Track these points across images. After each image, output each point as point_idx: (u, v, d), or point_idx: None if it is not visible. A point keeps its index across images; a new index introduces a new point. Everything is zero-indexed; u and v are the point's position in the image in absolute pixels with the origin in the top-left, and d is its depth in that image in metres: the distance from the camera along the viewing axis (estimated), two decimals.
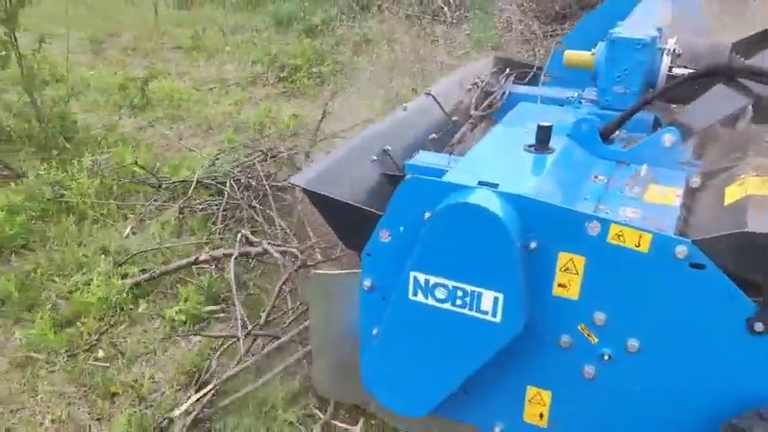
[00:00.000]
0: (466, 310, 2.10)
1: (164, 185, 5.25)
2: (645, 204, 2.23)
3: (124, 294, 4.16)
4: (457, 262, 2.07)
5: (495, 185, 2.07)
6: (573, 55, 2.94)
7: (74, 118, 5.80)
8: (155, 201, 5.10)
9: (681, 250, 1.91)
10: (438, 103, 3.17)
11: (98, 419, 3.37)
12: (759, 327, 1.91)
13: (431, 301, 2.14)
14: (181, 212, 4.95)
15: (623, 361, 2.10)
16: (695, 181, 2.33)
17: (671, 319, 2.01)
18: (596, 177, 2.35)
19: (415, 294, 2.15)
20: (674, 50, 2.71)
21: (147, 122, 6.56)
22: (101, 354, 3.83)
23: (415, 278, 2.14)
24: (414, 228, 2.11)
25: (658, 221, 2.12)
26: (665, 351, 2.05)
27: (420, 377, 2.27)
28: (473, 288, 2.07)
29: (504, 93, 3.32)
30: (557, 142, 2.47)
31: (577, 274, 2.06)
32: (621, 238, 1.97)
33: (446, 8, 8.98)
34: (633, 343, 2.07)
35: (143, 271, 4.38)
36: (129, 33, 9.23)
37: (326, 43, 8.26)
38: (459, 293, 2.09)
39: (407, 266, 2.13)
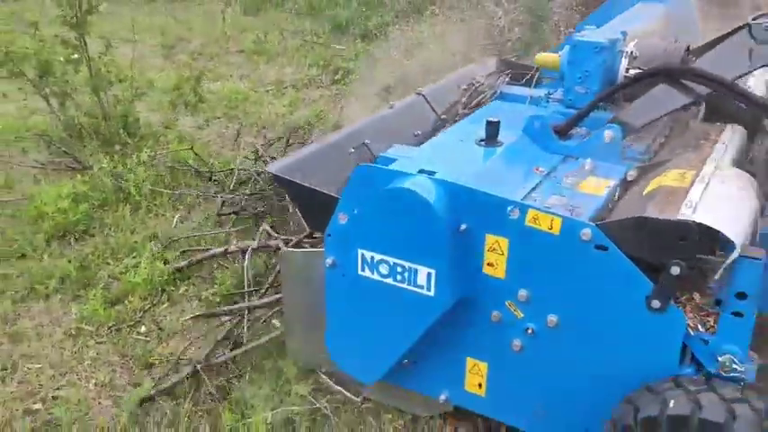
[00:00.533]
0: (405, 285, 2.38)
1: (213, 178, 5.71)
2: (575, 193, 2.42)
3: (166, 277, 4.60)
4: (396, 240, 2.35)
5: (433, 173, 2.34)
6: (543, 57, 3.14)
7: (136, 116, 6.37)
8: (202, 192, 5.57)
9: (585, 233, 2.12)
10: (428, 101, 3.43)
11: (135, 385, 3.79)
12: (656, 304, 2.10)
13: (376, 276, 2.43)
14: (223, 204, 5.39)
15: (545, 335, 2.32)
16: (631, 174, 2.50)
17: (582, 296, 2.22)
18: (538, 169, 2.56)
19: (363, 270, 2.45)
20: (632, 53, 2.87)
21: (205, 121, 7.08)
22: (143, 329, 4.28)
23: (362, 255, 2.43)
24: (365, 210, 2.40)
25: (581, 208, 2.32)
26: (579, 326, 2.26)
27: (370, 346, 2.56)
28: (410, 264, 2.35)
29: (494, 92, 3.53)
30: (509, 137, 2.69)
31: (503, 254, 2.30)
32: (537, 222, 2.20)
33: (500, 11, 9.13)
34: (552, 318, 2.29)
35: (183, 255, 4.83)
36: (199, 39, 9.87)
37: (379, 46, 8.60)
38: (399, 269, 2.37)
39: (356, 244, 2.43)
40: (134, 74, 6.59)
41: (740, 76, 2.63)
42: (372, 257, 2.42)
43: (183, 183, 5.82)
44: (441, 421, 2.98)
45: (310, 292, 2.69)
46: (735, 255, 1.99)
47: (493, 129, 2.61)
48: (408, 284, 2.37)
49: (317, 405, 3.36)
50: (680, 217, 2.06)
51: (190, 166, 5.84)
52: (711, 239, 2.02)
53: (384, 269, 2.41)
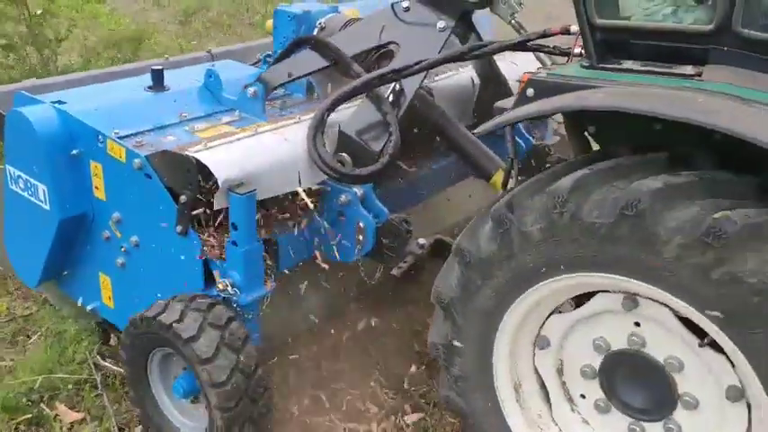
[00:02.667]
0: (33, 198, 2.76)
1: None
2: (189, 135, 2.70)
3: None
4: (22, 159, 2.74)
5: (63, 104, 2.70)
6: (269, 23, 3.42)
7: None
8: None
9: (137, 162, 2.45)
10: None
11: None
12: (178, 228, 2.40)
13: (18, 190, 2.82)
14: None
15: (133, 253, 2.65)
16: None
17: (143, 219, 2.55)
18: (182, 114, 2.86)
19: (12, 184, 2.85)
20: (321, 24, 3.13)
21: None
22: None
23: (9, 171, 2.83)
24: (7, 131, 2.79)
25: (162, 144, 2.56)
26: (146, 245, 2.59)
27: (26, 253, 2.96)
28: (33, 180, 2.73)
29: None
30: (183, 87, 3.01)
31: (101, 179, 2.65)
32: (113, 151, 2.54)
33: None
34: (134, 238, 2.62)
35: None
36: (219, 8, 10.26)
37: None
38: (28, 185, 2.76)
39: (6, 162, 2.83)
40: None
41: (379, 48, 2.87)
42: (14, 173, 2.81)
43: None
44: None
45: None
46: (222, 188, 2.28)
47: (157, 75, 2.94)
48: (34, 198, 2.75)
49: None
50: (187, 152, 2.35)
51: None
52: (208, 174, 2.31)
53: (21, 184, 2.80)
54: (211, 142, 2.49)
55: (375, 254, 2.73)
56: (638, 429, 1.98)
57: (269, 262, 2.52)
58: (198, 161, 2.32)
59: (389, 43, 2.87)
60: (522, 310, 2.01)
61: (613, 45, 1.98)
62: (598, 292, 1.94)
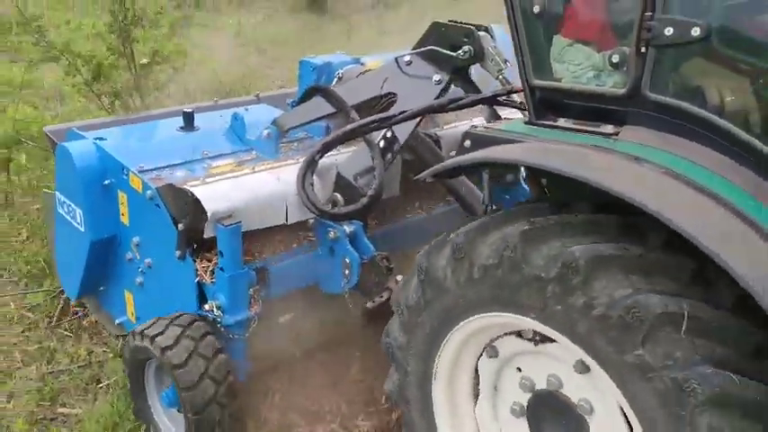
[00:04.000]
0: (73, 221, 3.18)
1: None
2: (204, 171, 3.03)
3: None
4: (66, 186, 3.17)
5: (103, 139, 3.13)
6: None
7: None
8: None
9: (149, 193, 2.80)
10: None
11: None
12: (177, 253, 2.72)
13: (63, 213, 3.25)
14: None
15: (148, 273, 3.00)
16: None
17: (156, 243, 2.89)
18: (204, 152, 3.19)
19: (60, 209, 3.29)
20: (339, 75, 3.41)
21: None
22: None
23: (58, 197, 3.27)
24: (57, 162, 3.25)
25: (175, 178, 2.90)
26: (157, 266, 2.92)
27: (68, 269, 3.38)
28: (73, 205, 3.15)
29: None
30: (212, 128, 3.37)
31: (125, 206, 3.03)
32: (134, 183, 2.91)
33: None
34: (148, 260, 2.97)
35: None
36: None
37: None
38: (70, 209, 3.18)
39: (56, 189, 3.28)
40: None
41: (383, 98, 3.11)
42: (60, 198, 3.25)
43: None
44: None
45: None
46: (210, 219, 2.58)
47: (187, 118, 3.32)
48: (73, 221, 3.17)
49: None
50: (185, 186, 2.68)
51: None
52: (200, 206, 2.61)
53: (66, 208, 3.23)
54: (211, 178, 2.81)
55: (361, 288, 2.94)
56: None
57: (257, 287, 2.79)
58: (193, 194, 2.64)
59: (390, 93, 3.11)
60: (453, 347, 2.16)
61: (549, 104, 2.14)
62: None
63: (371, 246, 2.93)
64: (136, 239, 3.03)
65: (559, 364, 1.98)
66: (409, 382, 2.27)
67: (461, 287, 2.00)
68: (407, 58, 3.15)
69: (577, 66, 2.04)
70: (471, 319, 2.04)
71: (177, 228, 2.71)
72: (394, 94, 3.11)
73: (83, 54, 6.97)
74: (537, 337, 2.02)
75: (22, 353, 3.62)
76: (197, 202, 2.63)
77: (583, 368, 1.90)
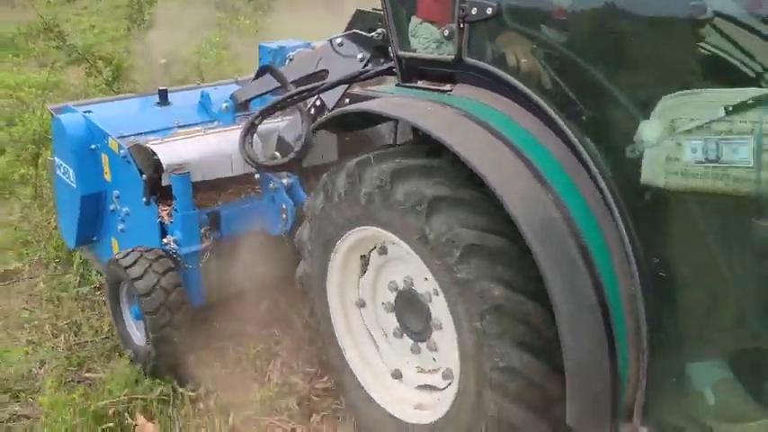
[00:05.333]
0: (67, 180, 3.88)
1: None
2: (170, 136, 3.70)
3: None
4: (61, 151, 3.87)
5: (90, 113, 3.82)
6: None
7: None
8: None
9: (122, 152, 3.48)
10: None
11: None
12: (144, 200, 3.39)
13: (60, 174, 3.96)
14: None
15: (126, 219, 3.69)
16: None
17: (129, 194, 3.56)
18: (176, 122, 3.86)
19: (58, 171, 3.99)
20: (290, 57, 4.05)
21: None
22: None
23: (56, 161, 3.98)
24: (53, 131, 3.96)
25: (148, 142, 3.58)
26: (133, 212, 3.60)
27: (66, 222, 4.09)
28: (67, 166, 3.85)
29: None
30: (187, 103, 4.04)
31: (108, 166, 3.72)
32: (112, 145, 3.59)
33: None
34: (126, 209, 3.66)
35: None
36: None
37: None
38: (65, 170, 3.88)
39: (54, 154, 3.99)
40: None
41: (318, 74, 3.73)
42: (58, 162, 3.95)
43: None
44: None
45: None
46: (166, 170, 3.25)
47: (162, 95, 4.00)
48: (68, 180, 3.87)
49: None
50: (147, 145, 3.35)
51: None
52: (158, 160, 3.29)
53: (62, 170, 3.93)
54: (170, 139, 3.48)
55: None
56: (416, 349, 2.69)
57: (209, 228, 3.45)
58: (153, 151, 3.31)
59: (323, 70, 3.73)
60: (342, 252, 2.78)
61: (412, 70, 2.74)
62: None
63: (306, 195, 3.56)
64: (116, 192, 3.72)
65: (411, 267, 2.60)
66: (312, 275, 2.91)
67: (349, 205, 2.60)
68: (339, 40, 3.76)
69: (426, 39, 2.65)
70: (355, 230, 2.65)
71: (142, 178, 3.39)
72: (326, 70, 3.74)
73: (103, 56, 7.72)
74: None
75: (51, 326, 4.06)
76: (155, 156, 3.30)
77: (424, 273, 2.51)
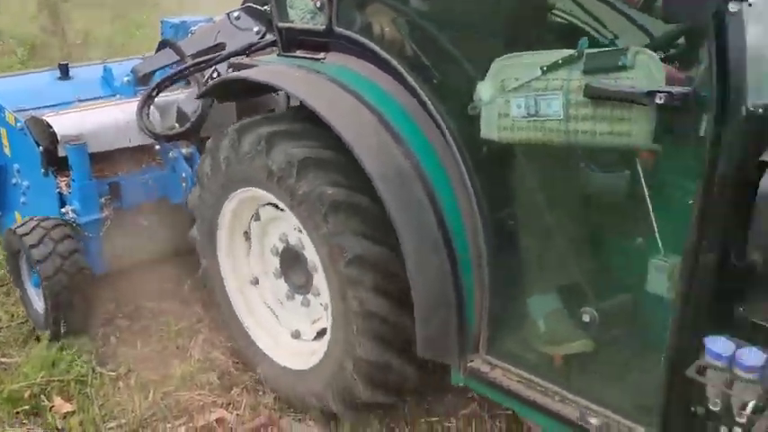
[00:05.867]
0: None
1: None
2: (81, 111, 3.77)
3: None
4: None
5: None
6: None
7: None
8: None
9: (19, 125, 3.54)
10: None
11: None
12: (42, 171, 3.47)
13: None
14: None
15: (27, 192, 3.74)
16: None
17: (30, 166, 3.62)
18: (78, 97, 3.93)
19: None
20: (192, 31, 4.15)
21: None
22: None
23: None
24: None
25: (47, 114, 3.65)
26: (33, 184, 3.67)
27: None
28: None
29: None
30: (89, 78, 4.10)
31: (7, 140, 3.76)
32: (10, 119, 3.64)
33: None
34: (26, 182, 3.72)
35: None
36: None
37: None
38: None
39: None
40: None
41: (216, 47, 3.85)
42: None
43: None
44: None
45: None
46: (61, 141, 3.34)
47: (63, 69, 4.06)
48: None
49: None
50: (43, 117, 3.43)
51: None
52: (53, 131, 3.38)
53: None
54: (66, 111, 3.56)
55: None
56: (305, 302, 2.88)
57: (109, 197, 3.55)
58: (48, 123, 3.40)
59: (221, 43, 3.86)
60: (228, 213, 2.95)
61: (291, 40, 2.91)
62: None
63: None
64: (16, 166, 3.78)
65: (284, 224, 2.79)
66: (203, 231, 3.07)
67: (231, 168, 2.77)
68: (236, 14, 3.89)
69: (302, 10, 2.82)
70: (237, 192, 2.82)
71: (39, 150, 3.46)
72: (224, 43, 3.87)
73: (15, 35, 7.61)
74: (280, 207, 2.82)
75: None
76: (50, 127, 3.38)
77: (298, 227, 2.71)
